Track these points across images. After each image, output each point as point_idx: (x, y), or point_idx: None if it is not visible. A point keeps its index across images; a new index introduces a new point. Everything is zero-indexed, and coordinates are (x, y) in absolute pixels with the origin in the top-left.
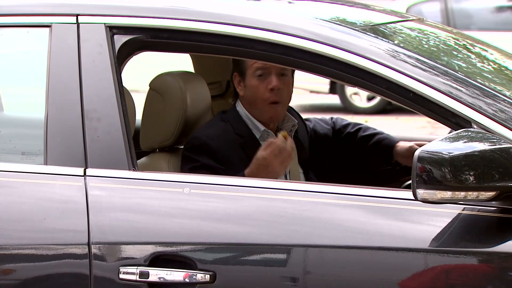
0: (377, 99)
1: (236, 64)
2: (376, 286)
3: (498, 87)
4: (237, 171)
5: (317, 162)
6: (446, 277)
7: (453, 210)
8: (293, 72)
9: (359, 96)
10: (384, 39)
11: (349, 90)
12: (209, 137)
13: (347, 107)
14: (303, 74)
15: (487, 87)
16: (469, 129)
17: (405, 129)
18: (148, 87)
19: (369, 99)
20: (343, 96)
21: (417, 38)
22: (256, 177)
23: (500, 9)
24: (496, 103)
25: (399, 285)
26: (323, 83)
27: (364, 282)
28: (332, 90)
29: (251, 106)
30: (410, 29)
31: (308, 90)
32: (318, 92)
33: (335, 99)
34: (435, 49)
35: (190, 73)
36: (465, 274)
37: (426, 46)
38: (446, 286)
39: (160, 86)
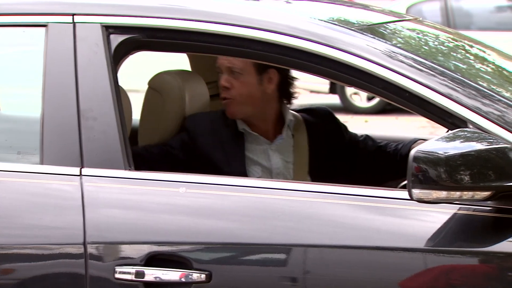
0: (377, 99)
1: None
2: (375, 286)
3: (495, 88)
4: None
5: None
6: (443, 277)
7: (449, 210)
8: (261, 71)
9: (359, 96)
10: (381, 39)
11: (349, 90)
12: (197, 117)
13: (347, 107)
14: (303, 74)
15: (483, 87)
16: (465, 129)
17: (405, 129)
18: (147, 86)
19: (369, 99)
20: (343, 96)
21: (414, 38)
22: None
23: (500, 9)
24: (492, 104)
25: (398, 284)
26: (323, 83)
27: (363, 282)
28: (332, 90)
29: None
30: (407, 29)
31: (308, 90)
32: (318, 92)
33: (335, 99)
34: (431, 49)
35: (189, 72)
36: (461, 274)
37: (422, 46)
38: (444, 285)
39: (159, 85)
